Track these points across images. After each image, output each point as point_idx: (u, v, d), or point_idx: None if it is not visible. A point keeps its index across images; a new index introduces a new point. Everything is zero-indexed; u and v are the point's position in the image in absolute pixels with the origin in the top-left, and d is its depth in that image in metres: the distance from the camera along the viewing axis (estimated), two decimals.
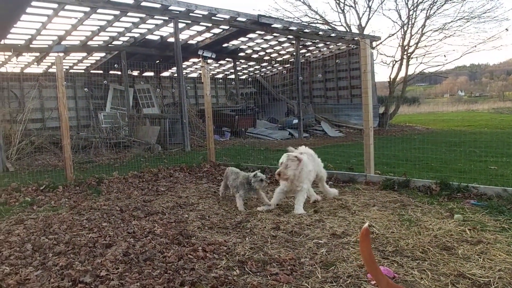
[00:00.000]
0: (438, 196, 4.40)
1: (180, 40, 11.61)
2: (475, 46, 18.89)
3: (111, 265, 2.80)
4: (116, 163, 8.18)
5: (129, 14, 10.30)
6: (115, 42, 12.67)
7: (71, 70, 14.56)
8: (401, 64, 16.41)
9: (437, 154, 7.57)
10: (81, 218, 4.11)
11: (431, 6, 16.03)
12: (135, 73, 16.06)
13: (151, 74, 16.41)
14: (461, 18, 16.31)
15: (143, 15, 10.66)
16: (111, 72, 14.32)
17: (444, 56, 22.65)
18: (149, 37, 12.74)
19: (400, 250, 2.94)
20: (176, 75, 13.62)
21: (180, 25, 11.34)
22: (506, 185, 4.51)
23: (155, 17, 10.75)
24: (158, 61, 14.97)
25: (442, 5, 16.19)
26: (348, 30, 17.65)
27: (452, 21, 16.69)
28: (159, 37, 12.92)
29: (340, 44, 15.94)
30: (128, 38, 12.69)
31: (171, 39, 11.92)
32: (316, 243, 3.14)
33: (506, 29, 21.27)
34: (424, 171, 5.79)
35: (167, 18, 10.73)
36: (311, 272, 2.62)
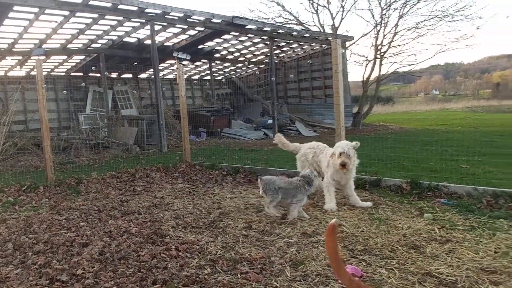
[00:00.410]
0: (409, 195, 4.38)
1: (157, 42, 11.45)
2: (445, 45, 18.96)
3: (87, 263, 2.80)
4: (95, 164, 8.06)
5: (107, 17, 10.14)
6: (94, 45, 12.46)
7: (52, 73, 14.29)
8: (374, 64, 16.11)
9: (410, 153, 7.44)
10: (60, 217, 4.11)
11: (404, 5, 15.72)
12: (114, 75, 15.73)
13: (129, 76, 16.15)
14: (434, 17, 16.03)
15: (121, 18, 10.47)
16: (90, 74, 14.01)
17: (414, 55, 22.95)
18: (127, 39, 12.51)
19: (369, 249, 2.93)
20: (153, 76, 13.38)
21: (157, 27, 11.18)
22: (476, 184, 4.48)
23: (132, 19, 10.57)
24: (135, 63, 14.71)
25: (415, 4, 15.87)
26: (322, 30, 17.64)
27: (425, 20, 16.43)
28: (136, 39, 12.70)
29: (314, 44, 16.01)
30: (107, 40, 12.46)
31: (148, 41, 11.73)
32: (287, 242, 3.15)
33: (477, 28, 21.12)
34: (395, 170, 5.73)
35: (143, 20, 10.55)
36: (281, 271, 2.63)
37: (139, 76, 16.46)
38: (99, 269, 2.70)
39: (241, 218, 3.86)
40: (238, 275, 2.58)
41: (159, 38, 12.50)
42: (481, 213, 3.62)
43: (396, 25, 15.96)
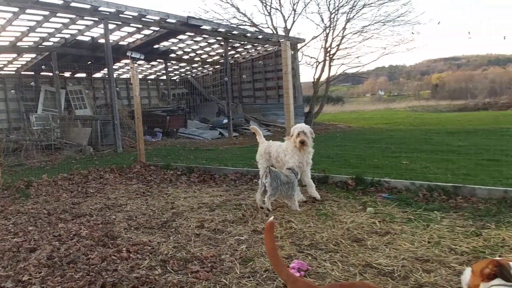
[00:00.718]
0: (354, 190, 4.47)
1: (111, 41, 10.98)
2: (385, 48, 19.89)
3: (34, 269, 2.67)
4: (47, 166, 7.59)
5: (58, 14, 9.57)
6: (45, 43, 11.70)
7: (1, 72, 13.20)
8: (324, 65, 16.64)
9: (356, 150, 7.70)
10: (7, 222, 3.86)
11: (351, 9, 16.34)
12: (67, 74, 14.80)
13: (83, 75, 15.29)
14: (378, 22, 16.80)
15: (73, 16, 9.92)
16: (42, 73, 13.06)
17: (358, 58, 24.03)
18: (80, 38, 11.86)
19: (315, 243, 2.97)
20: (107, 76, 12.78)
21: (111, 26, 10.72)
22: (414, 178, 4.62)
23: (85, 18, 10.06)
24: (89, 62, 13.95)
25: (361, 9, 16.55)
26: (275, 32, 17.87)
27: (370, 24, 17.07)
28: (90, 38, 12.08)
29: (267, 45, 16.20)
30: (59, 39, 11.72)
31: (102, 40, 11.18)
32: (238, 239, 3.16)
33: (412, 33, 22.99)
34: (343, 167, 5.88)
35: (97, 19, 10.06)
36: (230, 268, 2.63)
37: (93, 76, 15.64)
38: (47, 274, 2.59)
39: (194, 217, 3.84)
40: (189, 274, 2.57)
41: (113, 37, 11.98)
42: (418, 206, 3.77)
43: (344, 28, 16.59)
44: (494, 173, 5.00)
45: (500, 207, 3.57)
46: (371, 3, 16.51)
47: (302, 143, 4.15)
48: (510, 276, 1.40)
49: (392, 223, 3.35)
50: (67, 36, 11.57)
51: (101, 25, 10.19)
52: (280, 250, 2.88)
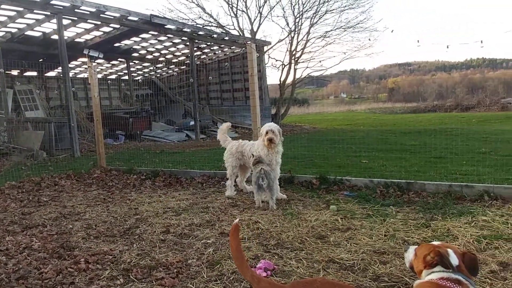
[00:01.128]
0: (318, 189, 4.63)
1: (66, 37, 10.43)
2: (345, 53, 20.89)
3: None
4: None
5: (3, 6, 8.88)
6: None
7: None
8: (289, 68, 17.11)
9: (320, 151, 7.98)
10: None
11: (314, 15, 16.91)
12: (15, 72, 13.79)
13: (34, 73, 14.32)
14: (339, 28, 17.45)
15: (21, 9, 9.28)
16: None
17: (320, 61, 24.95)
18: (30, 33, 11.13)
19: (281, 242, 3.04)
20: (62, 75, 12.12)
21: (65, 22, 10.18)
22: (372, 176, 4.94)
23: (35, 11, 9.43)
24: (41, 60, 13.13)
25: (324, 15, 17.16)
26: (241, 34, 18.04)
27: (332, 30, 17.60)
28: (41, 33, 11.39)
29: (234, 47, 16.26)
30: (4, 33, 10.91)
31: (55, 36, 10.58)
32: (205, 243, 3.14)
33: (369, 39, 24.32)
34: (308, 167, 6.08)
35: (49, 13, 9.48)
36: (197, 273, 2.61)
37: (45, 74, 14.72)
38: None
39: (159, 222, 3.74)
40: (153, 282, 2.50)
41: (68, 33, 11.41)
42: (376, 202, 4.02)
43: (308, 33, 17.25)
44: (441, 169, 5.46)
45: (446, 200, 3.91)
46: (333, 10, 17.44)
47: (270, 140, 4.31)
48: (449, 264, 1.52)
49: (353, 219, 3.54)
50: (14, 30, 10.81)
51: (54, 20, 9.64)
52: (248, 251, 2.91)
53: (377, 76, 70.18)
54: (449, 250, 1.57)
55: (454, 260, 1.54)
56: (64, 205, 4.60)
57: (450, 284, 1.46)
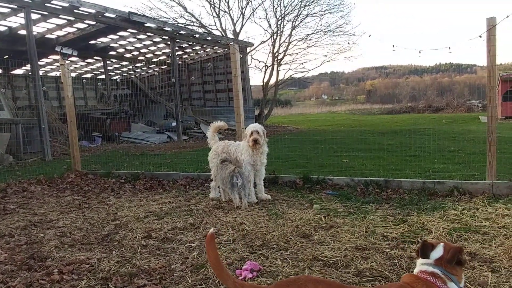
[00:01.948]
0: (302, 189, 4.80)
1: (35, 33, 10.10)
2: (326, 56, 21.54)
3: None
4: None
5: None
6: None
7: None
8: (272, 70, 17.63)
9: (303, 151, 8.35)
10: None
11: (296, 17, 17.71)
12: None
13: None
14: (320, 31, 18.53)
15: None
16: None
17: (302, 63, 25.66)
18: None
19: (266, 243, 3.09)
20: (31, 73, 11.71)
21: (34, 16, 9.84)
22: (353, 175, 5.18)
23: (0, 4, 9.05)
24: (6, 56, 12.63)
25: (305, 18, 18.04)
26: (224, 35, 18.13)
27: (313, 33, 18.75)
28: (6, 28, 10.96)
29: (216, 47, 16.24)
30: None
31: (23, 32, 10.22)
32: (189, 247, 3.09)
33: (349, 43, 25.41)
34: (291, 168, 6.30)
35: (15, 6, 9.14)
36: (181, 278, 2.56)
37: (12, 72, 14.18)
38: None
39: (140, 227, 3.62)
40: None
41: (38, 28, 11.05)
42: (357, 200, 4.21)
43: (290, 35, 17.79)
44: (415, 167, 5.86)
45: (421, 196, 4.20)
46: (314, 13, 18.22)
47: (255, 141, 4.41)
48: (424, 255, 1.65)
49: (335, 217, 3.69)
50: None
51: (22, 14, 9.30)
52: (233, 253, 2.93)
53: (356, 79, 74.10)
54: (440, 244, 1.64)
55: (437, 253, 1.62)
56: (34, 213, 4.39)
57: (426, 276, 1.57)
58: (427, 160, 6.48)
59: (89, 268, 2.75)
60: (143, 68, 18.54)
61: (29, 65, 10.09)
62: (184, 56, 17.55)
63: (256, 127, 4.49)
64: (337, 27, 18.79)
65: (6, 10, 9.66)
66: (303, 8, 17.61)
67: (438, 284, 1.54)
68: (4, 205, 4.75)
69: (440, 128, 13.09)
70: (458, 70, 66.69)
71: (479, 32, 4.10)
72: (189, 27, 16.97)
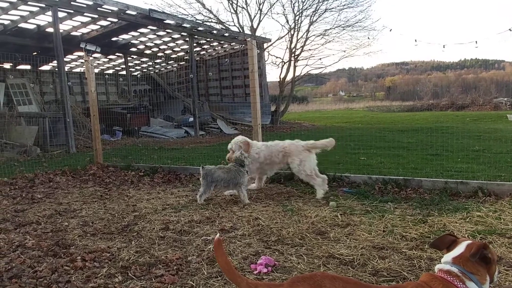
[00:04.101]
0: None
1: (62, 31, 10.34)
2: (345, 51, 21.22)
3: None
4: None
5: None
6: None
7: None
8: (289, 66, 17.36)
9: None
10: None
11: (314, 13, 17.25)
12: (7, 65, 13.66)
13: (27, 67, 14.18)
14: (338, 26, 18.00)
15: (14, 0, 9.18)
16: None
17: (320, 59, 25.26)
18: (23, 25, 11.01)
19: (282, 238, 3.08)
20: (57, 69, 12.03)
21: (61, 14, 10.10)
22: (371, 173, 5.05)
23: (30, 3, 9.33)
24: (35, 53, 13.01)
25: (323, 13, 17.53)
26: (241, 31, 18.08)
27: (331, 28, 18.23)
28: (35, 26, 11.27)
29: (234, 43, 16.22)
30: None
31: (50, 29, 10.51)
32: (205, 240, 3.13)
33: (368, 38, 24.78)
34: None
35: (43, 5, 9.40)
36: (197, 270, 2.60)
37: (40, 68, 14.61)
38: None
39: (158, 219, 3.70)
40: (153, 279, 2.47)
41: (64, 26, 11.33)
42: (374, 198, 4.11)
43: (308, 31, 17.48)
44: (437, 166, 5.69)
45: (442, 196, 4.04)
46: (332, 8, 18.13)
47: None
48: (437, 245, 1.67)
49: (352, 215, 3.61)
50: (6, 22, 10.68)
51: (49, 13, 9.55)
52: (248, 248, 2.94)
53: (375, 75, 71.99)
54: (464, 242, 1.58)
55: (458, 250, 1.56)
56: (60, 202, 4.55)
57: (442, 274, 1.51)
58: (450, 160, 6.23)
59: (109, 257, 2.84)
60: (162, 64, 18.75)
61: (55, 62, 10.38)
62: (202, 52, 17.64)
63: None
64: (356, 22, 18.18)
65: (35, 9, 9.95)
66: (321, 3, 17.12)
67: (456, 283, 1.46)
68: (32, 194, 4.94)
69: (464, 126, 12.58)
70: (485, 66, 63.69)
71: (509, 25, 3.90)
72: (207, 23, 17.04)
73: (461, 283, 1.46)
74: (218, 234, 1.72)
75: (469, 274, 1.48)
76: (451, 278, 1.48)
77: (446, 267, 1.53)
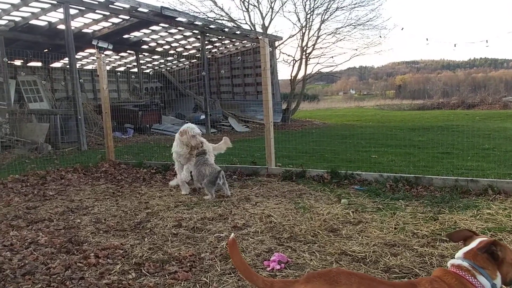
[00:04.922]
0: (329, 183, 4.80)
1: (73, 28, 10.47)
2: (356, 50, 21.14)
3: None
4: None
5: None
6: None
7: None
8: (300, 64, 17.43)
9: (331, 146, 8.29)
10: None
11: (325, 11, 17.38)
12: (18, 62, 13.90)
13: (39, 64, 14.40)
14: (350, 25, 18.06)
15: None
16: None
17: (332, 57, 25.26)
18: (34, 22, 11.15)
19: (294, 235, 3.12)
20: (69, 66, 12.21)
21: (73, 11, 10.20)
22: (382, 171, 5.14)
23: (41, 0, 9.46)
24: (46, 50, 13.22)
25: (334, 11, 17.64)
26: (253, 29, 18.13)
27: (342, 27, 18.65)
28: (46, 23, 11.41)
29: (245, 41, 16.26)
30: (7, 21, 10.89)
31: (62, 26, 10.64)
32: (217, 236, 3.15)
33: (380, 36, 24.70)
34: (319, 162, 6.27)
35: (55, 2, 9.51)
36: (211, 266, 2.61)
37: (51, 65, 14.82)
38: None
39: (171, 216, 3.72)
40: (166, 276, 2.48)
41: (75, 23, 11.45)
42: (385, 196, 4.16)
43: (319, 29, 17.49)
44: (447, 165, 5.81)
45: (453, 194, 4.10)
46: (343, 7, 17.97)
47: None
48: (452, 236, 1.77)
49: (364, 212, 3.67)
50: (17, 19, 10.81)
51: (61, 9, 9.67)
52: (261, 244, 2.97)
53: (385, 73, 72.81)
54: (479, 238, 1.62)
55: (471, 246, 1.60)
56: (72, 199, 4.60)
57: (454, 269, 1.56)
58: (460, 158, 6.34)
59: (123, 254, 2.86)
60: (174, 62, 18.87)
61: (67, 59, 10.50)
62: (213, 50, 17.70)
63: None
64: (367, 21, 18.30)
65: (46, 6, 10.08)
66: (332, 1, 17.29)
67: (467, 277, 1.50)
68: (44, 191, 5.00)
69: (473, 125, 12.64)
70: (494, 65, 64.60)
71: None
72: (219, 21, 17.10)
73: (472, 277, 1.50)
74: (232, 234, 1.73)
75: (479, 269, 1.52)
76: (463, 273, 1.52)
77: (458, 262, 1.57)
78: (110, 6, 10.21)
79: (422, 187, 4.38)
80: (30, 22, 10.97)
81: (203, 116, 13.83)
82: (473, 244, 1.60)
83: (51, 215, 3.94)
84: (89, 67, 16.73)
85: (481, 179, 4.29)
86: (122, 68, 18.22)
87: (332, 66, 18.89)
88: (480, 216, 3.40)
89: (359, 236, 3.07)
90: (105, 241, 3.15)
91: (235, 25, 17.61)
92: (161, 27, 13.54)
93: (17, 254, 2.90)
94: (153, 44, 15.66)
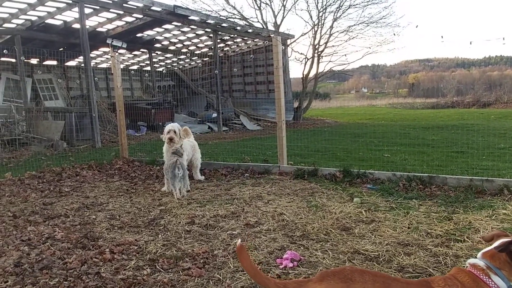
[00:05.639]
0: (342, 182, 4.78)
1: (88, 27, 10.63)
2: (369, 48, 20.87)
3: None
4: (10, 163, 7.18)
5: None
6: (7, 25, 11.03)
7: None
8: (312, 62, 17.34)
9: (343, 144, 8.25)
10: None
11: (338, 9, 17.27)
12: (34, 61, 14.20)
13: (54, 62, 14.68)
14: (362, 22, 17.91)
15: None
16: (2, 59, 12.40)
17: (345, 55, 25.09)
18: (50, 21, 11.38)
19: (307, 234, 3.12)
20: (83, 64, 12.42)
21: (87, 10, 10.37)
22: (395, 170, 5.11)
23: None
24: (61, 49, 13.47)
25: (347, 9, 17.55)
26: (265, 27, 18.11)
27: (355, 25, 18.25)
28: (62, 22, 11.63)
29: (257, 40, 16.25)
30: (24, 21, 11.15)
31: (77, 25, 10.84)
32: (230, 234, 3.17)
33: (394, 34, 24.34)
34: (331, 160, 6.24)
35: (70, 1, 9.69)
36: (224, 263, 2.64)
37: (66, 64, 15.09)
38: (14, 283, 2.40)
39: (184, 213, 3.76)
40: (180, 272, 2.51)
41: (90, 22, 11.63)
42: (399, 195, 4.13)
43: (331, 27, 17.35)
44: (462, 164, 5.73)
45: (467, 194, 4.04)
46: (356, 4, 17.61)
47: (171, 139, 4.85)
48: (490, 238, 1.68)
49: (376, 211, 3.65)
50: (33, 18, 11.04)
51: (76, 9, 9.84)
52: (274, 242, 2.98)
53: (398, 72, 72.60)
54: (502, 240, 1.57)
55: (490, 247, 1.59)
56: (87, 196, 4.69)
57: (469, 268, 1.55)
58: (475, 157, 6.24)
59: (137, 250, 2.90)
60: (186, 60, 19.00)
61: (81, 57, 10.69)
62: (225, 49, 17.75)
63: (173, 126, 4.92)
64: (380, 18, 18.14)
65: (62, 5, 10.28)
66: (345, 0, 17.18)
67: (481, 276, 1.49)
68: (60, 187, 5.12)
69: (488, 124, 12.43)
70: (510, 63, 63.57)
71: None
72: (231, 19, 17.13)
73: (486, 277, 1.49)
74: (239, 240, 1.73)
75: (495, 269, 1.50)
76: (477, 272, 1.51)
77: (474, 261, 1.56)
78: (124, 5, 10.34)
79: (436, 187, 4.33)
80: (46, 21, 11.19)
81: (215, 114, 13.91)
82: (495, 244, 1.57)
83: (67, 211, 4.03)
84: (103, 65, 16.98)
85: (496, 179, 4.22)
86: (135, 67, 18.43)
87: (344, 64, 18.76)
88: (496, 216, 3.35)
89: (372, 235, 3.05)
90: (119, 237, 3.20)
91: (247, 24, 17.62)
92: (174, 26, 13.64)
93: (34, 249, 2.98)
94: (166, 42, 15.79)
